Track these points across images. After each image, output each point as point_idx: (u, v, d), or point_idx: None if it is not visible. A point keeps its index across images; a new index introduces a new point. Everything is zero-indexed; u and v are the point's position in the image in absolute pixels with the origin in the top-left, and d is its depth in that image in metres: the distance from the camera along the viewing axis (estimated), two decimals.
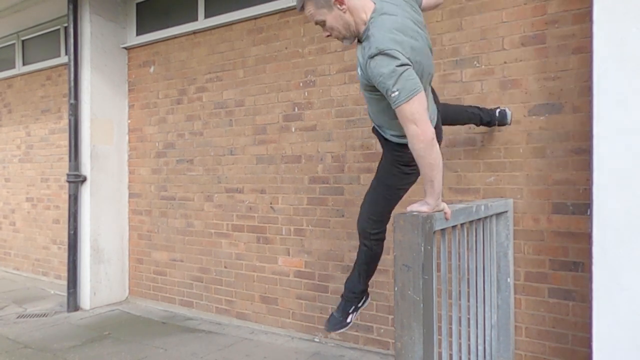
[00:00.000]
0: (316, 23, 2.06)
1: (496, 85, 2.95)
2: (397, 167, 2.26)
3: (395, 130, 2.16)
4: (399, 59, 1.82)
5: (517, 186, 2.88)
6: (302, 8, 2.04)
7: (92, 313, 4.50)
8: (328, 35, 2.09)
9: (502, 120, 2.79)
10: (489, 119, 2.78)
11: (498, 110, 2.78)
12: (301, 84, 3.76)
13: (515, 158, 2.89)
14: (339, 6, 1.96)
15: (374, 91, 1.98)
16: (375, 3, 1.99)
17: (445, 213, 1.89)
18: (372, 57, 1.84)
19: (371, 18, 1.94)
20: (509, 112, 2.79)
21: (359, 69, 2.01)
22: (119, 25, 4.89)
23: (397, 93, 1.80)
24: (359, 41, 2.03)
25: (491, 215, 2.61)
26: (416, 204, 1.90)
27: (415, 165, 2.18)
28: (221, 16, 4.20)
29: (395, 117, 1.95)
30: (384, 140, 2.30)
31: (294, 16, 3.79)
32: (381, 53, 1.81)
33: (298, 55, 3.78)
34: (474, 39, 3.02)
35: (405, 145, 2.15)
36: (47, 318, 4.36)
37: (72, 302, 4.59)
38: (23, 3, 5.15)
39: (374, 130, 2.38)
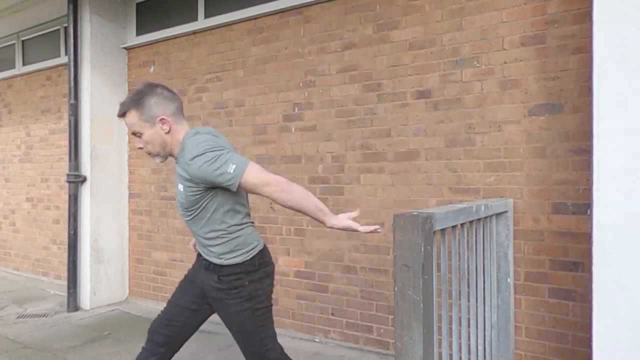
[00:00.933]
0: (133, 133, 2.04)
1: (496, 85, 2.95)
2: (248, 303, 2.00)
3: (228, 241, 2.00)
4: (221, 145, 1.89)
5: (517, 186, 2.88)
6: (124, 115, 2.01)
7: (92, 313, 4.49)
8: (140, 148, 2.07)
9: None
10: None
11: None
12: (301, 84, 3.76)
13: (515, 158, 2.89)
14: (161, 125, 1.98)
15: (202, 194, 1.93)
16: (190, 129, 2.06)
17: (358, 229, 1.90)
18: (194, 158, 1.85)
19: (185, 136, 1.99)
20: None
21: (181, 186, 1.97)
22: (119, 25, 4.89)
23: (234, 167, 1.82)
24: (176, 161, 2.03)
25: (491, 215, 2.61)
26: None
27: (263, 294, 2.05)
28: (221, 16, 4.20)
29: (225, 216, 1.97)
30: (217, 280, 2.02)
31: (294, 16, 3.79)
32: (203, 152, 1.85)
33: (298, 55, 3.78)
34: (474, 39, 3.02)
35: (239, 265, 2.00)
36: (47, 318, 4.36)
37: (72, 302, 4.59)
38: (23, 3, 5.16)
39: (206, 284, 2.07)
